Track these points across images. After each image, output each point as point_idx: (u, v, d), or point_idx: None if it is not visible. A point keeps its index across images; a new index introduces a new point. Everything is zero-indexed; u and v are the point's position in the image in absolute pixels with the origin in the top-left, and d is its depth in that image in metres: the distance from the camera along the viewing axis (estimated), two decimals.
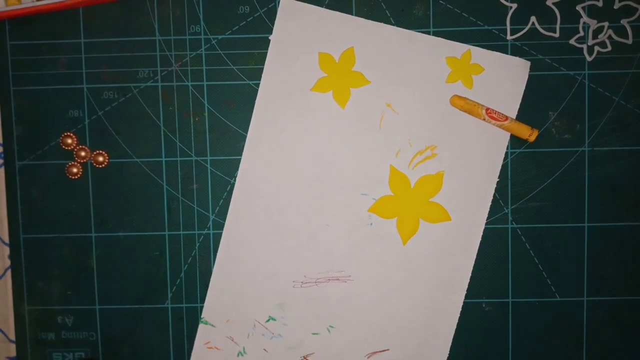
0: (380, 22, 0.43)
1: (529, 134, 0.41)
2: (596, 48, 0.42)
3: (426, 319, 0.43)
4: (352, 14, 0.43)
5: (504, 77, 0.42)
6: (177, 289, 0.44)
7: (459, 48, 0.42)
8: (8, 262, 0.45)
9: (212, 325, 0.44)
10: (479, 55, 0.42)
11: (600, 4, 0.42)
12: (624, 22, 0.42)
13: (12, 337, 0.45)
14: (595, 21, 0.42)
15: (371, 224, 0.43)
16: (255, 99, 0.43)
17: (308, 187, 0.43)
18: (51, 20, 0.43)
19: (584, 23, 0.42)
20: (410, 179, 0.42)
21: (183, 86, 0.43)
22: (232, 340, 0.44)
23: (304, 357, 0.44)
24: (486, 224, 0.43)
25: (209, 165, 0.44)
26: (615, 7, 0.42)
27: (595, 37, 0.42)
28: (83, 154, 0.44)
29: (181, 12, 0.43)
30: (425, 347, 0.43)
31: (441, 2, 0.43)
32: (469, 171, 0.43)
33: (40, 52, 0.43)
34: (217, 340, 0.44)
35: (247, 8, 0.43)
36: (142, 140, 0.44)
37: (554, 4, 0.42)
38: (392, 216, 0.43)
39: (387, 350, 0.43)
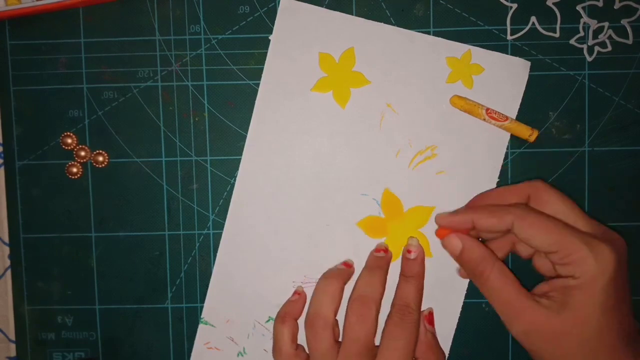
0: (380, 22, 0.43)
1: (529, 134, 0.41)
2: (596, 48, 0.42)
3: None
4: (352, 14, 0.43)
5: (504, 77, 0.42)
6: (177, 289, 0.44)
7: (459, 48, 0.42)
8: (8, 262, 0.45)
9: (212, 326, 0.44)
10: (479, 55, 0.42)
11: (600, 4, 0.42)
12: (624, 22, 0.42)
13: (12, 337, 0.45)
14: (596, 21, 0.42)
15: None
16: (255, 99, 0.43)
17: (308, 187, 0.43)
18: (51, 20, 0.43)
19: (584, 23, 0.42)
20: (403, 203, 0.43)
21: (183, 86, 0.43)
22: (232, 341, 0.44)
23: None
24: None
25: (209, 165, 0.44)
26: (616, 7, 0.42)
27: (595, 37, 0.42)
28: (83, 153, 0.44)
29: (181, 12, 0.43)
30: None
31: (441, 2, 0.43)
32: (469, 171, 0.43)
33: (40, 52, 0.43)
34: (217, 340, 0.44)
35: (247, 8, 0.43)
36: (142, 140, 0.44)
37: (554, 4, 0.42)
38: (381, 236, 0.43)
39: None
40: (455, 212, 0.38)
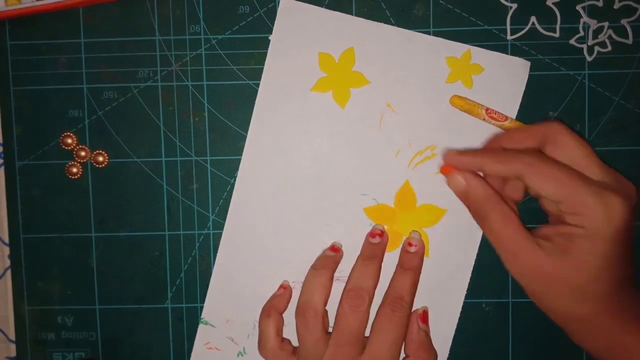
0: (380, 22, 0.43)
1: None
2: (596, 48, 0.42)
3: None
4: (352, 14, 0.43)
5: (504, 77, 0.42)
6: (177, 289, 0.44)
7: (459, 48, 0.42)
8: (8, 262, 0.45)
9: (212, 326, 0.44)
10: (479, 55, 0.42)
11: (600, 4, 0.42)
12: (624, 22, 0.42)
13: (12, 337, 0.45)
14: (596, 21, 0.42)
15: (371, 224, 0.43)
16: (255, 99, 0.43)
17: (308, 187, 0.43)
18: (51, 20, 0.43)
19: (584, 23, 0.42)
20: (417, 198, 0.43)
21: (183, 86, 0.43)
22: (232, 341, 0.44)
23: None
24: None
25: (209, 165, 0.44)
26: (616, 7, 0.42)
27: (595, 37, 0.42)
28: (83, 153, 0.44)
29: (181, 12, 0.43)
30: None
31: (441, 2, 0.43)
32: None
33: (40, 52, 0.43)
34: (217, 340, 0.44)
35: (247, 8, 0.43)
36: (142, 140, 0.44)
37: (554, 4, 0.42)
38: (387, 224, 0.43)
39: None
40: (465, 152, 0.37)
